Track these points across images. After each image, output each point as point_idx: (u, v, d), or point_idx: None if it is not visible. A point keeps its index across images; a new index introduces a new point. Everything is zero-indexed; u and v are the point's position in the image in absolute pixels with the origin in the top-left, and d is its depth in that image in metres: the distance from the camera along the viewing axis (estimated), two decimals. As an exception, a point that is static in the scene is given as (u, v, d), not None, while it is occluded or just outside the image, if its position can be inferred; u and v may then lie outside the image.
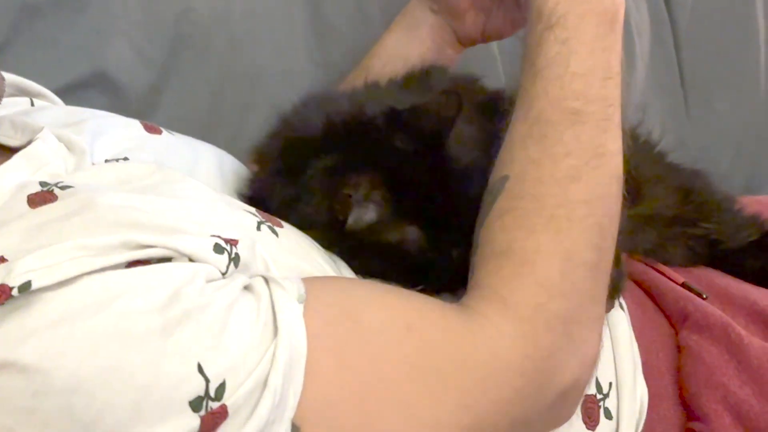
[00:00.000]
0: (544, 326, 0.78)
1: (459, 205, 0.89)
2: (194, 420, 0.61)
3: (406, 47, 1.27)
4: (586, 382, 0.83)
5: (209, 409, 0.61)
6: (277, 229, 0.83)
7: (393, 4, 1.34)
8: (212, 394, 0.61)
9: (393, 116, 0.91)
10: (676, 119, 1.80)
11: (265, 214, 0.85)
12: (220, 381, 0.62)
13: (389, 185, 0.87)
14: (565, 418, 0.85)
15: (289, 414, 0.65)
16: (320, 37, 1.49)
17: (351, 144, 0.91)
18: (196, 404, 0.61)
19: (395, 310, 0.77)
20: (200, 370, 0.61)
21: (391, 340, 0.74)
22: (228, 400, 0.62)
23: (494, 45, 1.58)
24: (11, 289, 0.60)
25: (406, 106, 0.91)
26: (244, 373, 0.63)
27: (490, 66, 1.57)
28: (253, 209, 0.85)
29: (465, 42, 1.29)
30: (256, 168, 1.06)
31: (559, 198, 0.83)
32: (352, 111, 0.94)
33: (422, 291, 0.82)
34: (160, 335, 0.61)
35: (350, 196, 0.87)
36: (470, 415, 0.73)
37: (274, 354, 0.65)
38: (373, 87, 1.09)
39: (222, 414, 0.62)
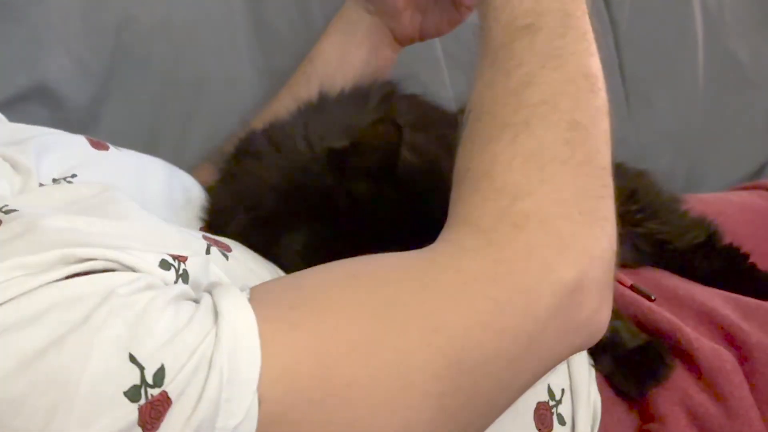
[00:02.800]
0: (512, 227, 0.73)
1: (427, 217, 0.86)
2: (131, 412, 0.59)
3: (343, 50, 1.27)
4: (601, 280, 0.75)
5: (149, 397, 0.59)
6: (226, 252, 0.82)
7: (335, 10, 1.33)
8: (150, 380, 0.59)
9: (338, 164, 0.89)
10: (618, 118, 1.81)
11: (213, 238, 0.83)
12: (158, 366, 0.60)
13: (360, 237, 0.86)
14: (593, 326, 0.76)
15: (250, 387, 0.62)
16: (263, 44, 1.48)
17: (312, 210, 0.90)
18: (132, 394, 0.59)
19: (338, 266, 0.75)
20: (132, 359, 0.59)
21: (337, 290, 0.71)
22: (168, 385, 0.60)
23: (439, 50, 1.59)
24: None
25: (345, 143, 0.89)
26: (185, 354, 0.61)
27: (436, 72, 1.58)
28: (201, 233, 0.84)
29: (403, 42, 1.29)
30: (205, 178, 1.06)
31: (513, 106, 0.79)
32: (302, 174, 0.92)
33: None
34: (88, 333, 0.59)
35: None
36: (441, 336, 0.68)
37: (216, 335, 0.63)
38: (321, 113, 1.08)
39: (164, 402, 0.59)
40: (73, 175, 0.89)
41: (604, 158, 0.79)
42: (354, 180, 0.89)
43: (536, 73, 0.80)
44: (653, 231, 1.17)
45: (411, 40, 1.29)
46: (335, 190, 0.89)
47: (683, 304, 1.06)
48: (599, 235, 0.76)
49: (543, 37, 0.82)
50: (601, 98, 0.81)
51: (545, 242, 0.73)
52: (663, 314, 1.01)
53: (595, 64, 0.82)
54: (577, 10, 0.84)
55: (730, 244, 1.21)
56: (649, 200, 1.19)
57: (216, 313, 0.65)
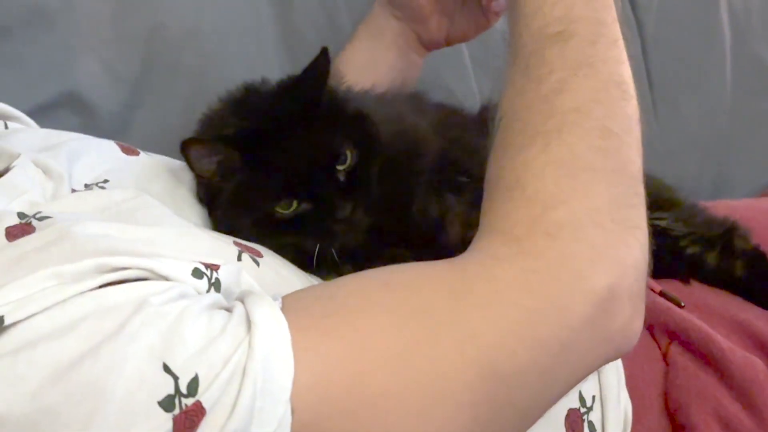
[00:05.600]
0: (545, 236, 0.73)
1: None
2: (166, 422, 0.59)
3: (371, 55, 1.27)
4: (634, 290, 0.75)
5: (183, 407, 0.59)
6: (257, 258, 0.82)
7: (362, 16, 1.34)
8: (184, 390, 0.59)
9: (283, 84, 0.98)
10: (644, 123, 1.81)
11: (244, 244, 0.84)
12: (192, 375, 0.60)
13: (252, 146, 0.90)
14: (625, 335, 0.76)
15: (283, 396, 0.62)
16: (291, 51, 1.49)
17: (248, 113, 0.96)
18: (167, 404, 0.59)
19: (369, 275, 0.75)
20: (166, 368, 0.60)
21: (369, 300, 0.71)
22: (202, 395, 0.60)
23: (466, 55, 1.59)
24: None
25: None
26: (219, 363, 0.61)
27: (463, 77, 1.58)
28: (232, 239, 0.84)
29: (429, 46, 1.29)
30: None
31: (545, 113, 0.79)
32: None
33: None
34: (122, 343, 0.60)
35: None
36: (474, 346, 0.68)
37: (250, 344, 0.62)
38: None
39: (198, 412, 0.59)
40: (105, 181, 0.90)
41: (635, 166, 0.79)
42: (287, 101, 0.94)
43: (568, 80, 0.80)
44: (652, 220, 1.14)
45: (438, 46, 1.29)
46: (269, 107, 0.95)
47: (714, 312, 1.05)
48: (632, 243, 0.76)
49: (574, 45, 0.81)
50: (632, 106, 0.81)
51: (578, 251, 0.73)
52: (694, 322, 1.00)
53: (626, 72, 0.82)
54: (608, 17, 0.84)
55: (755, 248, 1.16)
56: (666, 197, 1.17)
57: (249, 322, 0.65)
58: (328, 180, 0.90)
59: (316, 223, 0.90)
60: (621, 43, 0.84)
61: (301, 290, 0.77)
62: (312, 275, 0.89)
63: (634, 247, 0.76)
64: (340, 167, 0.91)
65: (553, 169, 0.76)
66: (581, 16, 0.83)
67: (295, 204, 0.89)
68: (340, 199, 0.90)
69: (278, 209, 0.89)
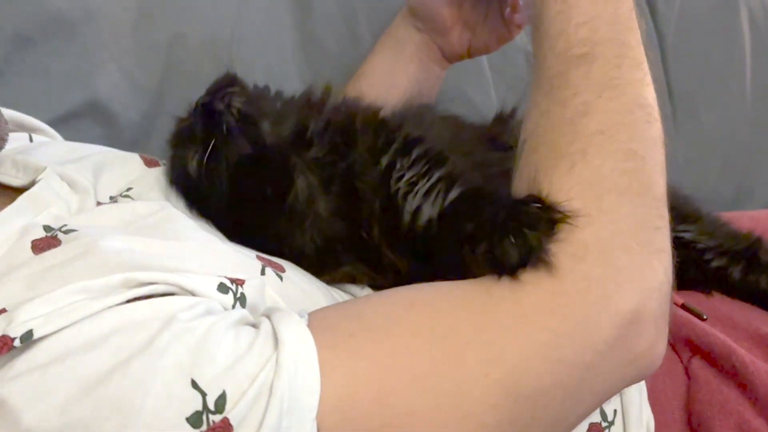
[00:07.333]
0: (571, 258, 0.73)
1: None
2: None
3: (392, 66, 1.27)
4: (658, 313, 0.75)
5: (211, 423, 0.60)
6: (280, 273, 0.83)
7: (382, 25, 1.34)
8: (212, 407, 0.60)
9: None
10: (664, 132, 1.81)
11: (267, 258, 0.84)
12: (219, 392, 0.61)
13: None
14: (649, 358, 0.76)
15: (309, 415, 0.62)
16: (311, 59, 1.49)
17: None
18: (194, 420, 0.59)
19: (395, 293, 0.76)
20: (194, 385, 0.60)
21: (395, 319, 0.71)
22: (230, 412, 0.60)
23: (486, 67, 1.59)
24: (13, 340, 0.60)
25: None
26: (246, 381, 0.62)
27: (483, 89, 1.58)
28: (255, 252, 0.85)
29: (451, 59, 1.29)
30: None
31: (570, 136, 0.79)
32: None
33: None
34: (151, 359, 0.60)
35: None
36: (499, 367, 0.69)
37: (277, 361, 0.63)
38: None
39: (225, 428, 0.60)
40: (129, 189, 0.90)
41: (659, 189, 0.79)
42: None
43: (592, 102, 0.80)
44: (677, 233, 1.11)
45: (460, 57, 1.29)
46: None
47: (737, 326, 1.04)
48: (656, 266, 0.76)
49: (599, 67, 0.82)
50: (656, 128, 0.81)
51: (604, 274, 0.73)
52: (716, 335, 0.99)
53: (651, 95, 0.82)
54: (632, 39, 0.84)
55: None
56: (688, 211, 1.16)
57: (276, 340, 0.65)
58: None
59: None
60: (645, 65, 0.84)
61: (327, 308, 0.77)
62: (334, 289, 0.89)
63: (659, 270, 0.76)
64: None
65: (578, 191, 0.76)
66: (605, 38, 0.83)
67: None
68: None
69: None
